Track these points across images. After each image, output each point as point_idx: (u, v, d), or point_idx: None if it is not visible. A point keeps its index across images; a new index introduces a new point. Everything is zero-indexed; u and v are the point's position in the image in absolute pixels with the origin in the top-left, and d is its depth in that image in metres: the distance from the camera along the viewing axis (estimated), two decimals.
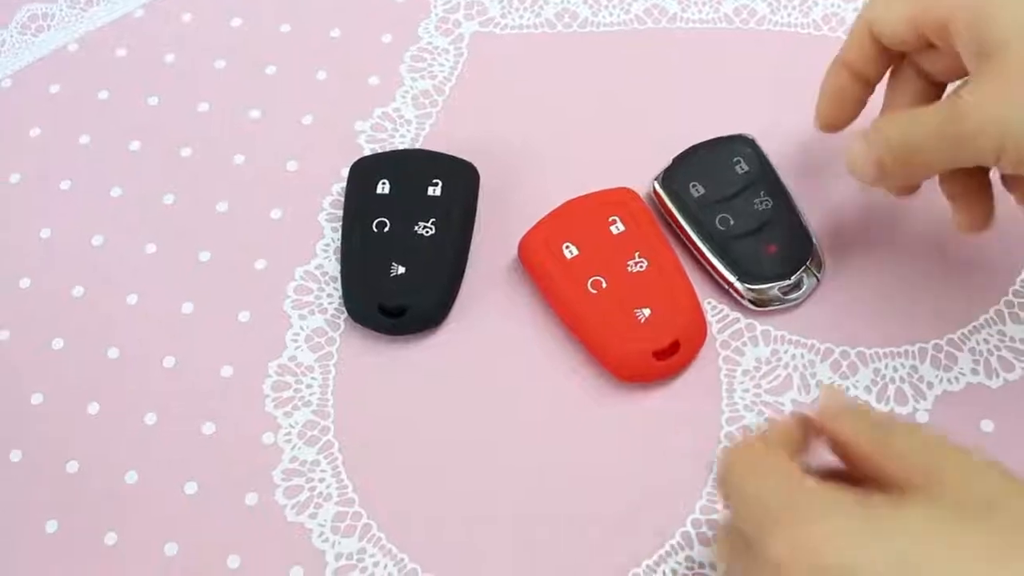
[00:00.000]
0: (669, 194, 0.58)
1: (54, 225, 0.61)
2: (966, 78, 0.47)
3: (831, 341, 0.56)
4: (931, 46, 0.49)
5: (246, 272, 0.59)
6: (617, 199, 0.57)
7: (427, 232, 0.57)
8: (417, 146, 0.62)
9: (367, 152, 0.62)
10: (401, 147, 0.62)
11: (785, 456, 0.43)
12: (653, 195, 0.58)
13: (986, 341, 0.55)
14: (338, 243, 0.59)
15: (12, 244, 0.61)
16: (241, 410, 0.56)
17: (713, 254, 0.56)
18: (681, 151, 0.59)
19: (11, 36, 0.67)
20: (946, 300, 0.56)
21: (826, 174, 0.59)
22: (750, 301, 0.56)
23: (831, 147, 0.58)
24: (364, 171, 0.59)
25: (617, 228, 0.56)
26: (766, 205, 0.57)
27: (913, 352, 0.55)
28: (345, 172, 0.60)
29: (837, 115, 0.54)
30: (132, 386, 0.57)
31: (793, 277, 0.56)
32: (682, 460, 0.53)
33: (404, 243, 0.57)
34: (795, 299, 0.56)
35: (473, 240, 0.59)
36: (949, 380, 0.55)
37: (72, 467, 0.55)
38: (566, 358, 0.56)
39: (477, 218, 0.59)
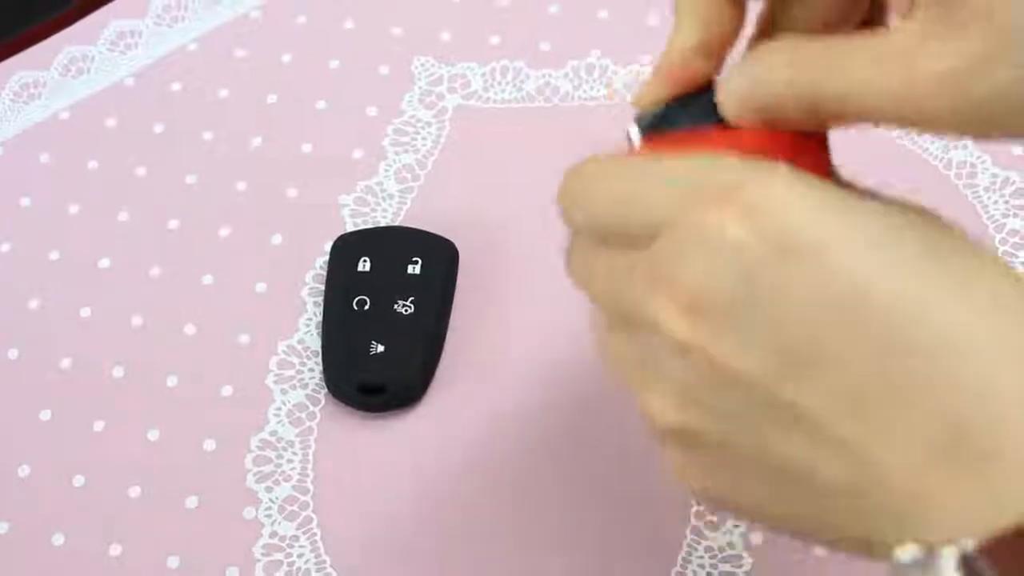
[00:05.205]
0: None
1: (44, 296, 0.62)
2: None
3: None
4: None
5: (230, 346, 0.60)
6: None
7: (406, 311, 0.58)
8: (399, 220, 0.63)
9: (350, 226, 0.63)
10: (384, 221, 0.63)
11: None
12: None
13: None
14: (320, 317, 0.60)
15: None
16: (224, 484, 0.57)
17: None
18: None
19: (2, 104, 0.69)
20: None
21: None
22: None
23: None
24: (345, 248, 0.60)
25: None
26: None
27: None
28: (328, 247, 0.61)
29: None
30: (117, 460, 0.58)
31: None
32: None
33: (383, 321, 0.58)
34: None
35: (452, 315, 0.60)
36: None
37: (58, 540, 0.56)
38: (545, 434, 0.57)
39: (457, 292, 0.61)
